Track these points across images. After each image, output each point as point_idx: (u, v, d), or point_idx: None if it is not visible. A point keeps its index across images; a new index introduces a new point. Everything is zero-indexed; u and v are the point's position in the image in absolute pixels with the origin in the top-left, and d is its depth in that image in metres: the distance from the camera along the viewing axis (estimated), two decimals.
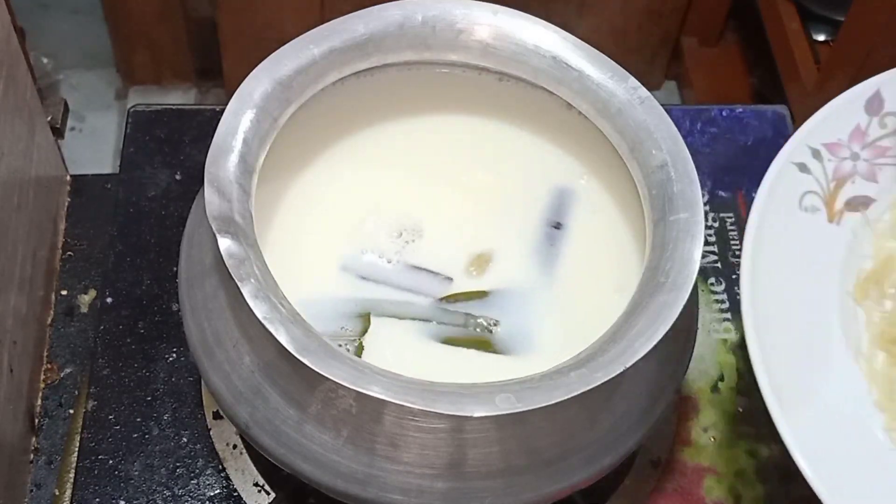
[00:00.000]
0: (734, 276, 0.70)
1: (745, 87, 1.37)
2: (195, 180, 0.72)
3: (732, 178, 0.74)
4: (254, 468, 0.63)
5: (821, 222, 0.53)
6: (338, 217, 0.58)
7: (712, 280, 0.70)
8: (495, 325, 0.55)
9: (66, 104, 0.80)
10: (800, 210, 0.53)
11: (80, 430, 0.65)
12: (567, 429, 0.49)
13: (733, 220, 0.72)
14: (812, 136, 0.55)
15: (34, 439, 0.68)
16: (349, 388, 0.44)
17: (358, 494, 0.49)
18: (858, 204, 0.54)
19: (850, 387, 0.50)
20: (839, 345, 0.51)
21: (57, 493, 0.66)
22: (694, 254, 0.49)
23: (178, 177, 0.74)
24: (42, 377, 0.70)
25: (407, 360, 0.54)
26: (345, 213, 0.59)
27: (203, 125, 0.76)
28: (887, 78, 0.57)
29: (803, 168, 0.54)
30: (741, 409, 0.65)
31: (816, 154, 0.55)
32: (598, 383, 0.45)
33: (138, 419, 0.64)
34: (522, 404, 0.44)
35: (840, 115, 0.56)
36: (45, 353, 0.71)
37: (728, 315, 0.69)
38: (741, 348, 0.66)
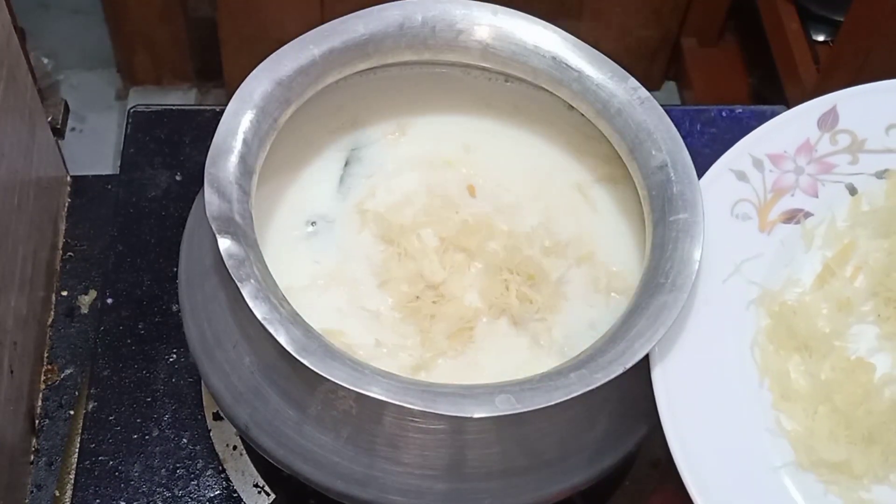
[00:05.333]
0: None
1: (745, 88, 1.37)
2: (195, 181, 0.72)
3: None
4: (254, 469, 0.63)
5: (751, 230, 0.54)
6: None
7: None
8: None
9: (66, 104, 0.80)
10: (731, 216, 0.54)
11: (80, 431, 0.65)
12: (567, 430, 0.49)
13: None
14: (757, 146, 0.56)
15: (34, 440, 0.68)
16: (349, 389, 0.44)
17: (358, 495, 0.49)
18: (794, 216, 0.54)
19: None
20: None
21: (57, 494, 0.66)
22: (694, 254, 0.49)
23: (178, 177, 0.74)
24: (42, 378, 0.70)
25: None
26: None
27: (203, 126, 0.76)
28: (845, 95, 0.57)
29: (741, 176, 0.55)
30: None
31: (758, 164, 0.55)
32: (598, 384, 0.45)
33: (138, 420, 0.64)
34: (522, 405, 0.44)
35: (790, 128, 0.56)
36: (46, 354, 0.71)
37: None
38: None
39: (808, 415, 0.50)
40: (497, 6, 0.56)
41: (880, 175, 0.56)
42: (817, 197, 0.55)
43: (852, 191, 0.56)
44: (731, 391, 0.50)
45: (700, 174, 0.53)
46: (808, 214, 0.55)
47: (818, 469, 0.49)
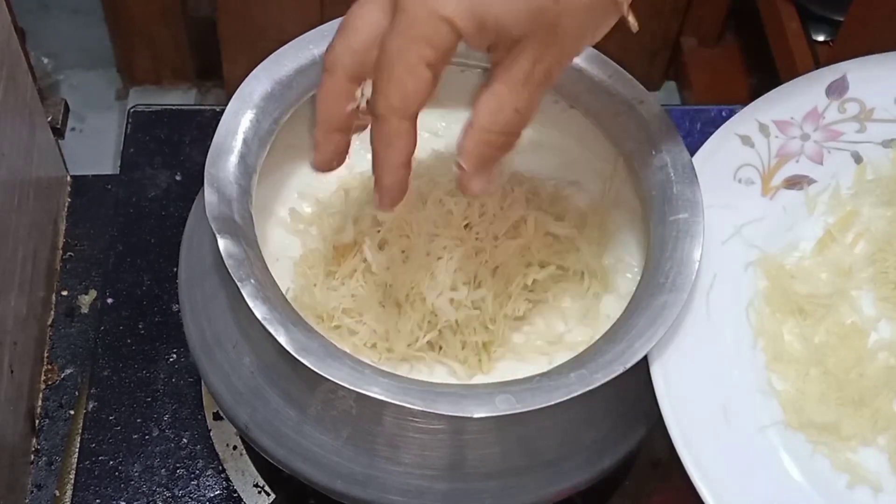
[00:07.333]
0: None
1: (745, 88, 1.37)
2: (195, 181, 0.72)
3: None
4: (254, 469, 0.63)
5: (753, 194, 0.54)
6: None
7: None
8: None
9: (66, 104, 0.80)
10: (733, 180, 0.54)
11: (80, 431, 0.65)
12: (567, 430, 0.49)
13: None
14: (763, 112, 0.56)
15: (35, 440, 0.68)
16: (349, 389, 0.44)
17: (358, 495, 0.49)
18: (798, 182, 0.54)
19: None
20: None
21: (57, 494, 0.66)
22: (694, 254, 0.49)
23: (178, 177, 0.74)
24: (42, 378, 0.70)
25: None
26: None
27: (203, 125, 0.76)
28: (855, 64, 0.57)
29: (746, 141, 0.55)
30: None
31: (764, 129, 0.55)
32: (598, 384, 0.45)
33: (139, 420, 0.64)
34: (522, 405, 0.44)
35: (798, 95, 0.56)
36: (46, 354, 0.71)
37: None
38: None
39: (800, 376, 0.50)
40: None
41: (887, 144, 0.56)
42: (822, 164, 0.55)
43: (857, 159, 0.55)
44: (725, 351, 0.50)
45: None
46: (811, 181, 0.55)
47: (807, 429, 0.49)
